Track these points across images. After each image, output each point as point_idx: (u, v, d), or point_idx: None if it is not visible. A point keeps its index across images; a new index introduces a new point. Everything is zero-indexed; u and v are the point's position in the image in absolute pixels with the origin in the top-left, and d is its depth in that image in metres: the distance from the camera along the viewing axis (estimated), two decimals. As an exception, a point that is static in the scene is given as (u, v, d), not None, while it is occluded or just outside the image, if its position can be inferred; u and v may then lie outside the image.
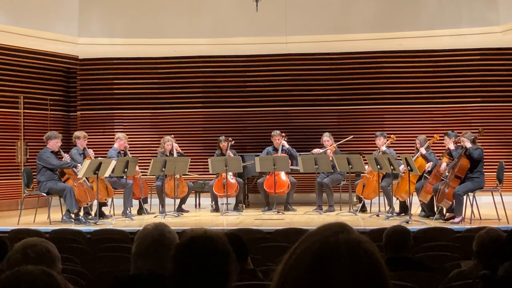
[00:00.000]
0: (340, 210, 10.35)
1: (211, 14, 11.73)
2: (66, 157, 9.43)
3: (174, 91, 12.83)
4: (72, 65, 12.77)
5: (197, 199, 11.47)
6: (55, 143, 9.34)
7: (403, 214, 9.53)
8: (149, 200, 10.84)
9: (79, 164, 9.19)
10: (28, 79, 12.10)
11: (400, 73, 12.41)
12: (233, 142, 10.86)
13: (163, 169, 9.74)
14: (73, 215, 9.09)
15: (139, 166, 10.38)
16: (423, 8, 11.31)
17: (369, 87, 12.46)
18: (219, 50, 12.20)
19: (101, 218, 9.43)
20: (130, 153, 10.54)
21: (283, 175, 10.47)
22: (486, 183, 8.84)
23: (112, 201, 10.18)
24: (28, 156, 11.89)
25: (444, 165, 8.94)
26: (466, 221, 8.54)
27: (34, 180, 9.56)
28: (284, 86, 12.63)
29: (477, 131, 9.30)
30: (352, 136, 11.19)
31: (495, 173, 9.39)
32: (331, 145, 10.46)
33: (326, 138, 10.53)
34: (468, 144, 8.55)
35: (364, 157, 10.11)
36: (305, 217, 9.69)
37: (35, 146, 11.45)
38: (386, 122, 12.37)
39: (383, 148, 9.90)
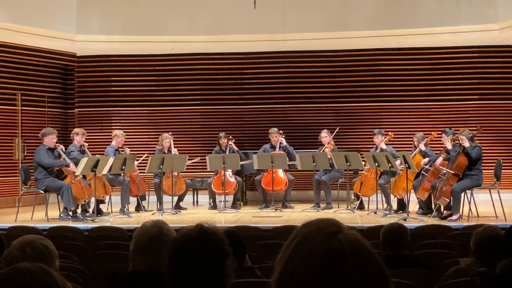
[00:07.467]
0: (338, 207, 10.36)
1: (209, 12, 11.72)
2: (61, 152, 9.39)
3: (172, 88, 12.82)
4: (70, 62, 12.75)
5: (195, 196, 11.46)
6: (50, 139, 9.32)
7: (401, 211, 9.54)
8: (147, 197, 10.83)
9: (71, 163, 9.16)
10: (26, 76, 12.08)
11: (398, 71, 12.41)
12: (233, 140, 10.84)
13: (161, 166, 9.73)
14: (70, 213, 9.09)
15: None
16: (421, 5, 11.33)
17: (367, 84, 12.46)
18: (217, 47, 12.18)
19: (98, 215, 9.42)
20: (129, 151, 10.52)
21: (280, 173, 10.47)
22: (484, 180, 8.84)
23: (110, 198, 10.18)
24: (25, 154, 11.88)
25: (440, 159, 8.95)
26: (464, 218, 8.54)
27: (32, 177, 9.55)
28: (282, 84, 12.63)
29: (475, 128, 9.31)
30: (338, 128, 11.07)
31: (493, 171, 9.40)
32: (328, 142, 10.46)
33: (324, 134, 10.53)
34: (467, 144, 8.54)
35: (362, 154, 10.11)
36: (303, 215, 9.69)
37: (33, 143, 11.42)
38: (384, 119, 12.37)
39: (382, 145, 9.90)
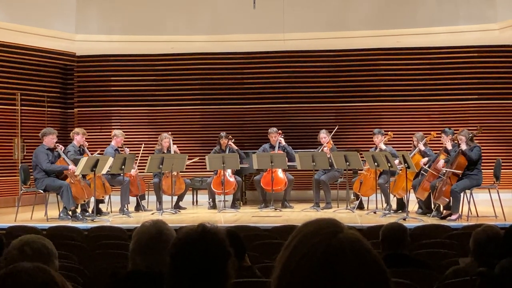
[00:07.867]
0: (337, 207, 10.37)
1: (208, 11, 11.72)
2: (61, 152, 9.38)
3: (172, 88, 12.81)
4: (69, 62, 12.74)
5: (195, 196, 11.46)
6: (50, 139, 9.32)
7: (400, 211, 9.55)
8: (146, 197, 10.83)
9: (70, 167, 9.16)
10: (25, 76, 12.08)
11: (398, 70, 12.41)
12: (233, 140, 10.84)
13: (160, 166, 9.73)
14: (70, 212, 9.09)
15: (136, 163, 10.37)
16: (420, 5, 11.33)
17: (366, 84, 12.46)
18: (216, 47, 12.18)
19: (98, 215, 9.42)
20: (129, 150, 10.51)
21: (280, 172, 10.46)
22: (483, 180, 8.83)
23: (110, 198, 10.18)
24: (25, 153, 11.87)
25: (441, 162, 8.95)
26: (463, 218, 8.55)
27: (31, 177, 9.54)
28: (282, 83, 12.63)
29: (475, 128, 9.31)
30: (337, 127, 11.14)
31: (492, 171, 9.40)
32: (327, 142, 10.46)
33: (323, 135, 10.53)
34: (464, 146, 8.54)
35: (361, 154, 10.11)
36: (302, 214, 9.69)
37: (32, 143, 11.42)
38: (383, 119, 12.37)
39: (382, 145, 9.90)
